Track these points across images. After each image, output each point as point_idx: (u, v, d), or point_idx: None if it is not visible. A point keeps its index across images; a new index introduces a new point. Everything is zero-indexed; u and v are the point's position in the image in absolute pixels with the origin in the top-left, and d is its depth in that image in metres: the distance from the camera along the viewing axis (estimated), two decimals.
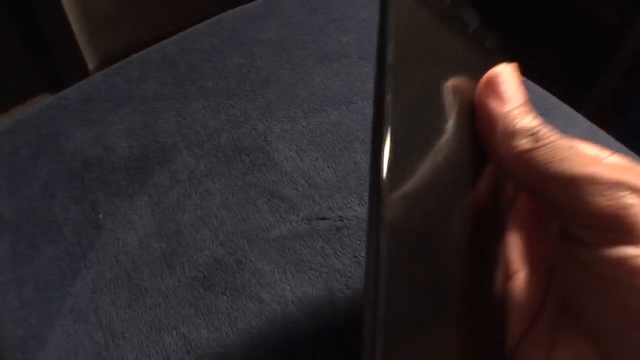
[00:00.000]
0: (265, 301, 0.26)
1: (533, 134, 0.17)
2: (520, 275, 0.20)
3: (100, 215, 0.29)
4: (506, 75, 0.18)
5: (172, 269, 0.27)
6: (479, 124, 0.18)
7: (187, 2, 1.11)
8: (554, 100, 0.35)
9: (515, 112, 0.17)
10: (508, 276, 0.20)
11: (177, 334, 0.25)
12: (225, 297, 0.26)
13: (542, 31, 1.18)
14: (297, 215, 0.28)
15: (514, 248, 0.21)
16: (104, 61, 1.06)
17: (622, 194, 0.15)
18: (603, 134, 0.33)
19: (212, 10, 0.41)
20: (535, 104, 0.35)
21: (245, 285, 0.26)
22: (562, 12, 1.18)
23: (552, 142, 0.17)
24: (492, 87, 0.18)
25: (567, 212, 0.17)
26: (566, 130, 0.33)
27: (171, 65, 0.36)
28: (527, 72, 0.37)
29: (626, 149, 0.33)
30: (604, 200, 0.16)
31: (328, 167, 0.30)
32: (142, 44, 0.39)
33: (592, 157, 0.17)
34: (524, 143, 0.17)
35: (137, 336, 0.25)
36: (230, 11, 0.41)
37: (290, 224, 0.28)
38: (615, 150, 0.32)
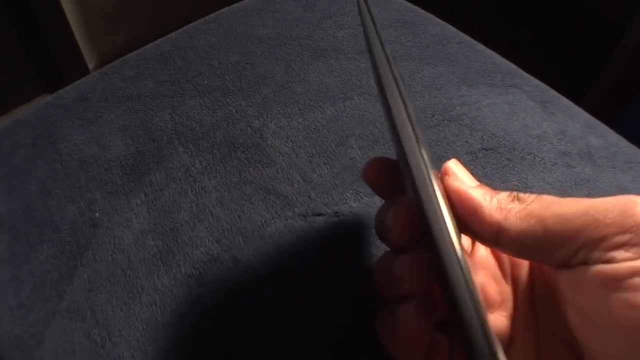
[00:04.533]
0: (261, 299, 0.26)
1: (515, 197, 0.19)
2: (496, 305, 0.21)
3: (97, 214, 0.29)
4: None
5: (168, 267, 0.27)
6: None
7: (186, 1, 1.11)
8: (552, 92, 0.35)
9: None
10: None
11: (173, 331, 0.25)
12: (221, 295, 0.26)
13: (543, 24, 1.17)
14: (293, 212, 0.28)
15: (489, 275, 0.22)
16: (104, 61, 1.06)
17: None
18: (602, 127, 0.33)
19: (212, 9, 0.41)
20: (533, 96, 0.35)
21: (241, 282, 0.26)
22: (563, 4, 1.18)
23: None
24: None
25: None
26: (565, 123, 0.33)
27: (167, 63, 0.36)
28: (527, 65, 0.37)
29: (625, 141, 0.32)
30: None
31: (324, 163, 0.30)
32: (142, 44, 0.39)
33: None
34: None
35: (134, 334, 0.25)
36: (226, 8, 0.40)
37: (286, 220, 0.28)
38: (614, 142, 0.32)
